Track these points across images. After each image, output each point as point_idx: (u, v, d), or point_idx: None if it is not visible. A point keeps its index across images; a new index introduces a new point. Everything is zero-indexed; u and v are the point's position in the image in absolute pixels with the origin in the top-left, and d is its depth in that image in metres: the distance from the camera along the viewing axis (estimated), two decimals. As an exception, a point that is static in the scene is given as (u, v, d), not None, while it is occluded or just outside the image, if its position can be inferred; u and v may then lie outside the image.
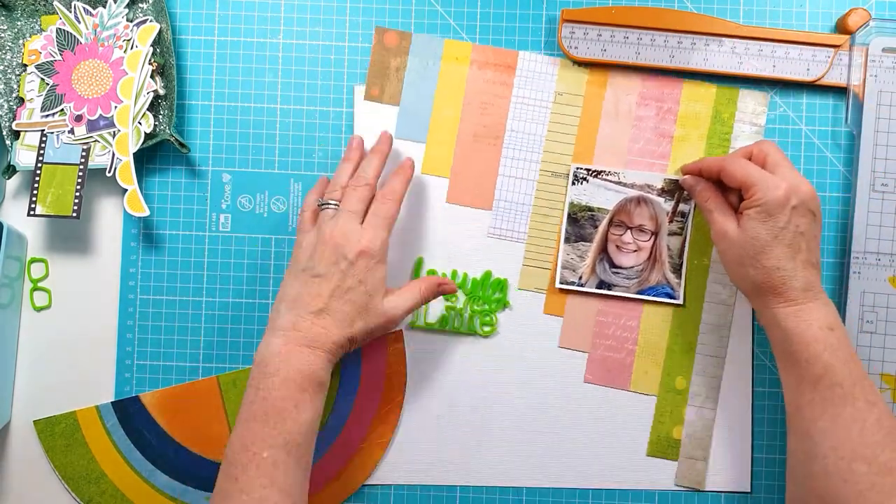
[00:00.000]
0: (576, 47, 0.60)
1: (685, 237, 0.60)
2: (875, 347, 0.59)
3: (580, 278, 0.60)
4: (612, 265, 0.60)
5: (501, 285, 0.60)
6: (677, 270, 0.60)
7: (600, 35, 0.60)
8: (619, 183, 0.60)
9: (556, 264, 0.60)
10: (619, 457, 0.60)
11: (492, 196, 0.61)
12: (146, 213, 0.59)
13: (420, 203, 0.61)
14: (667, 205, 0.60)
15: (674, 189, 0.60)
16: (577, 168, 0.60)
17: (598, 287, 0.60)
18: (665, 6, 0.61)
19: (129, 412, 0.60)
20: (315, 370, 0.50)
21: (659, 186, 0.60)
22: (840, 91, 0.60)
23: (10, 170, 0.60)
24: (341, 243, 0.52)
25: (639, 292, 0.60)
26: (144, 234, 0.61)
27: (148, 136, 0.59)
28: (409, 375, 0.61)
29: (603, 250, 0.60)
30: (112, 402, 0.60)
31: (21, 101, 0.60)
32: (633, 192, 0.60)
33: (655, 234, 0.60)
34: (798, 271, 0.51)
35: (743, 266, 0.53)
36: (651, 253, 0.60)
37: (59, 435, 0.60)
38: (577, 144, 0.61)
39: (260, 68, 0.62)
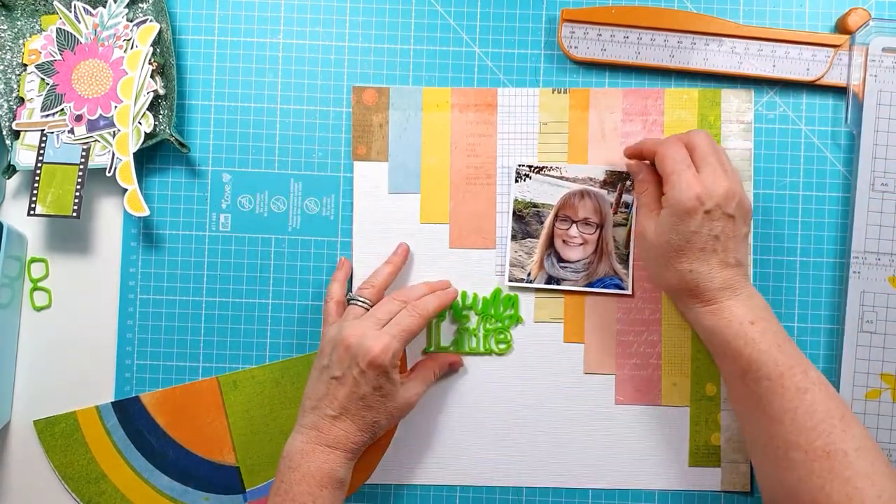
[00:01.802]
0: (576, 47, 0.60)
1: (630, 227, 0.60)
2: (875, 347, 0.59)
3: (529, 275, 0.60)
4: (560, 260, 0.60)
5: (513, 301, 0.60)
6: (624, 261, 0.60)
7: (600, 35, 0.60)
8: (561, 178, 0.60)
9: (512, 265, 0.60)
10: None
11: (493, 234, 0.61)
12: (146, 213, 0.59)
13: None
14: (610, 196, 0.60)
15: (616, 180, 0.60)
16: (520, 165, 0.60)
17: (548, 283, 0.60)
18: (665, 6, 0.61)
19: (129, 412, 0.60)
20: (334, 468, 0.52)
21: (601, 178, 0.60)
22: (840, 91, 0.60)
23: (10, 169, 0.60)
24: (355, 348, 0.52)
25: (588, 285, 0.60)
26: (144, 234, 0.61)
27: (148, 136, 0.59)
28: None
29: (550, 246, 0.60)
30: (112, 403, 0.60)
31: (21, 100, 0.60)
32: (576, 186, 0.60)
33: (601, 226, 0.60)
34: (714, 272, 0.51)
35: (658, 267, 0.53)
36: (597, 245, 0.60)
37: (59, 435, 0.60)
38: None
39: (260, 68, 0.62)
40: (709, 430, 0.60)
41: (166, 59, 0.60)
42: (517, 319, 0.60)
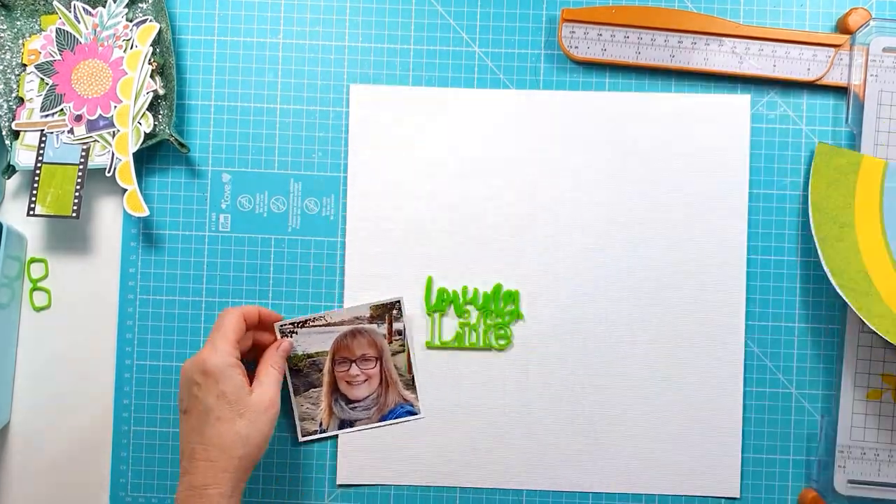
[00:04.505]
0: (576, 47, 0.60)
1: (408, 351, 0.60)
2: (876, 348, 0.59)
3: (321, 425, 0.60)
4: (348, 401, 0.60)
5: (513, 297, 0.60)
6: (411, 386, 0.60)
7: (600, 35, 0.60)
8: (327, 325, 0.59)
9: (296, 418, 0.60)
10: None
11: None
12: (146, 213, 0.59)
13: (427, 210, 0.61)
14: (381, 328, 0.60)
15: (383, 312, 0.59)
16: (282, 325, 0.59)
17: (341, 427, 0.60)
18: (665, 6, 0.61)
19: None
20: None
21: (367, 315, 0.59)
22: (840, 91, 0.60)
23: (10, 170, 0.60)
24: (187, 370, 0.52)
25: (382, 419, 0.60)
26: (144, 234, 0.61)
27: (148, 136, 0.59)
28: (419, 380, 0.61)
29: (335, 390, 0.60)
30: None
31: (21, 100, 0.60)
32: (346, 328, 0.60)
33: (379, 358, 0.60)
34: None
35: None
36: (381, 377, 0.60)
37: (833, 168, 0.57)
38: None
39: (260, 68, 0.62)
40: None
41: (166, 59, 0.60)
42: (517, 315, 0.60)
